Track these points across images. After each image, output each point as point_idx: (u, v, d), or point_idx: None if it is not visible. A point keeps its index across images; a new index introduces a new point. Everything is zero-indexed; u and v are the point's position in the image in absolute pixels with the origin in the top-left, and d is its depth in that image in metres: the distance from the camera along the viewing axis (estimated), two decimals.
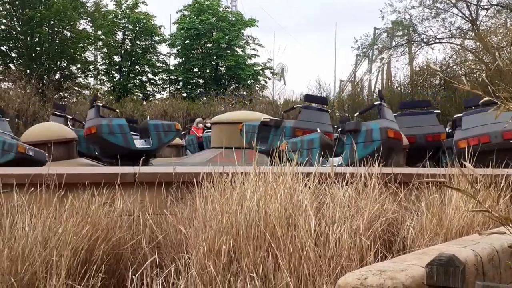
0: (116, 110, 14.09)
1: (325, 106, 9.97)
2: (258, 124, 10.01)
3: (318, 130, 8.24)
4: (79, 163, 9.48)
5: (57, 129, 10.00)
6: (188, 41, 28.81)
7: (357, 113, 9.44)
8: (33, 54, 23.77)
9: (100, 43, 27.11)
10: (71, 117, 12.97)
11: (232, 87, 28.14)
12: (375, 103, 8.40)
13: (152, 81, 29.75)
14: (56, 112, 12.10)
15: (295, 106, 11.00)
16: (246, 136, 9.66)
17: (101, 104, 11.56)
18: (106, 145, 9.81)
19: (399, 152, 7.68)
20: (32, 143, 8.59)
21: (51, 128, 10.06)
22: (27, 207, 3.58)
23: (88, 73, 27.11)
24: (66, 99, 23.33)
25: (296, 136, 8.51)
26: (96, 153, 10.72)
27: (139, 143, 10.17)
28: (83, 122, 11.98)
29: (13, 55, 24.88)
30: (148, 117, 13.02)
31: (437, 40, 22.97)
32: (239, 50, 29.67)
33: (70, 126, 11.51)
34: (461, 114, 8.34)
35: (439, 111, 9.97)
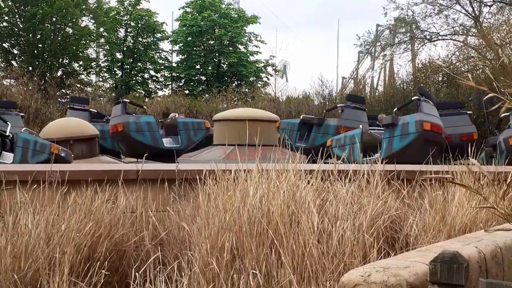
0: (144, 107, 13.24)
1: (362, 105, 10.47)
2: (296, 121, 10.55)
3: (361, 126, 8.64)
4: (102, 162, 8.96)
5: (78, 125, 9.37)
6: (190, 38, 28.78)
7: (396, 108, 9.74)
8: (35, 51, 23.77)
9: (102, 40, 27.09)
10: (96, 111, 12.38)
11: (234, 84, 28.10)
12: (413, 98, 8.72)
13: (154, 78, 29.77)
14: (74, 106, 11.44)
15: (337, 105, 11.51)
16: (284, 134, 10.21)
17: (128, 100, 11.10)
18: (133, 143, 9.41)
19: (440, 146, 7.62)
20: (52, 140, 8.07)
21: (72, 124, 9.41)
22: (30, 204, 3.58)
23: (90, 70, 27.10)
24: (68, 96, 23.34)
25: (340, 134, 8.89)
26: (120, 151, 10.26)
27: (167, 142, 9.76)
28: (108, 117, 11.47)
29: (15, 52, 24.89)
30: (176, 115, 12.21)
31: (440, 37, 22.94)
32: (241, 47, 29.65)
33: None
34: (509, 113, 8.41)
35: (471, 112, 10.21)
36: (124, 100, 10.21)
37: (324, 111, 12.81)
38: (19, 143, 7.33)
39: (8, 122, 7.91)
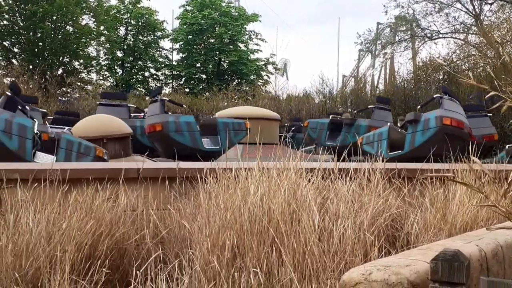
0: (184, 105, 12.49)
1: (388, 106, 11.53)
2: (325, 121, 11.28)
3: (388, 124, 9.44)
4: (135, 161, 8.48)
5: (112, 123, 8.80)
6: (190, 36, 28.77)
7: (419, 106, 10.49)
8: (36, 50, 23.76)
9: (102, 38, 27.09)
10: (135, 106, 11.90)
11: (234, 83, 28.12)
12: (434, 96, 9.47)
13: (154, 76, 29.77)
14: (106, 103, 10.89)
15: (369, 106, 12.45)
16: (312, 133, 10.63)
17: (167, 99, 10.63)
18: (172, 144, 8.92)
19: (462, 140, 7.86)
20: (85, 139, 7.71)
21: (106, 121, 8.84)
22: (31, 202, 3.58)
23: (90, 68, 27.11)
24: (69, 95, 23.34)
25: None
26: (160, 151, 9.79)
27: (206, 143, 9.34)
28: (145, 112, 10.98)
29: (16, 50, 24.88)
30: (216, 114, 11.50)
31: (440, 35, 22.93)
32: (241, 45, 29.63)
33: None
34: None
35: (491, 114, 10.73)
36: (163, 98, 9.72)
37: (355, 111, 13.51)
38: (62, 145, 6.98)
39: (35, 119, 7.57)
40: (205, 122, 9.92)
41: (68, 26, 24.60)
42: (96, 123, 8.72)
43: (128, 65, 28.50)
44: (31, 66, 22.38)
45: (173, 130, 9.03)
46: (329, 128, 11.22)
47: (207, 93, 25.52)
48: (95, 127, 8.51)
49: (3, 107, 7.48)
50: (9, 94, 7.73)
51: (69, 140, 7.11)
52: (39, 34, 23.69)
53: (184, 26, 28.89)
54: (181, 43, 29.29)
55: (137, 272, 3.12)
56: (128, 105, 11.29)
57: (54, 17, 23.70)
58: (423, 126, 8.38)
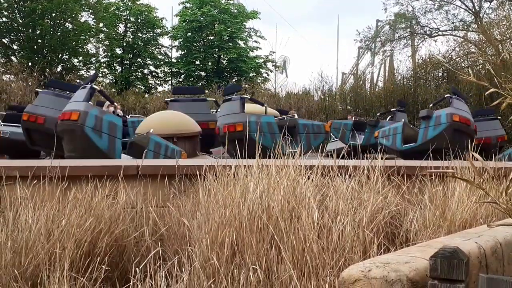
0: (265, 105, 12.13)
1: (404, 108, 13.15)
2: (348, 122, 12.38)
3: (403, 120, 10.59)
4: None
5: (182, 120, 8.36)
6: (190, 34, 28.72)
7: (432, 104, 11.55)
8: (35, 47, 23.73)
9: (102, 35, 27.04)
10: (214, 100, 11.54)
11: (234, 80, 28.07)
12: (445, 96, 10.38)
13: (154, 73, 29.72)
14: (181, 98, 10.31)
15: (391, 109, 13.83)
16: (336, 132, 11.90)
17: (248, 97, 10.11)
18: (251, 145, 8.39)
19: (468, 136, 8.41)
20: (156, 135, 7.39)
21: (177, 119, 8.37)
22: (30, 199, 3.58)
23: (90, 65, 27.07)
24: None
25: None
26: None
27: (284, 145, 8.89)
28: (217, 106, 10.42)
29: (15, 47, 24.84)
30: (295, 115, 10.83)
31: (440, 33, 22.89)
32: (241, 43, 29.57)
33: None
34: None
35: (500, 117, 11.73)
36: (243, 96, 9.27)
37: (378, 114, 14.80)
38: (150, 146, 6.75)
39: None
40: (286, 123, 9.35)
41: (67, 23, 24.56)
42: (167, 120, 8.26)
43: (127, 62, 28.45)
44: (30, 63, 22.35)
45: (254, 131, 8.43)
46: (353, 129, 12.10)
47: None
48: (166, 124, 8.06)
49: (88, 101, 7.07)
50: (95, 87, 7.35)
51: (157, 142, 6.84)
52: (38, 31, 23.65)
53: (184, 23, 28.83)
54: (180, 40, 29.23)
55: (137, 269, 3.12)
56: (207, 99, 10.89)
57: (53, 14, 23.66)
58: (435, 121, 9.23)
